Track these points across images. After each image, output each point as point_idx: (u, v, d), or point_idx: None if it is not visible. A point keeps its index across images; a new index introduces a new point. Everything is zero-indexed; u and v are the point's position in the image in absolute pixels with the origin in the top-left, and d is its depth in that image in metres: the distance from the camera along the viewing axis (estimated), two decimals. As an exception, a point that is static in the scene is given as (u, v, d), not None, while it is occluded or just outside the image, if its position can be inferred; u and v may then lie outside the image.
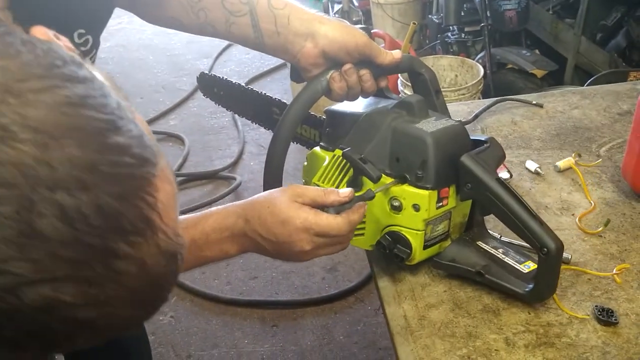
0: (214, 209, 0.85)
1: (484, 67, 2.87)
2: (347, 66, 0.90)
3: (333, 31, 0.89)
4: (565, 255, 0.95)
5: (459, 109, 1.43)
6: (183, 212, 3.04)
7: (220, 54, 4.49)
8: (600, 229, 1.01)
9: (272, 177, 0.93)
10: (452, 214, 0.93)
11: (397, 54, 0.93)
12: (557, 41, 2.96)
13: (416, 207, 0.88)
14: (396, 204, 0.90)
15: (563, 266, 0.94)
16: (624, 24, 2.58)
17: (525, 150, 1.26)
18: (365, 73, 0.92)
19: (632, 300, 0.88)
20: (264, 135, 3.47)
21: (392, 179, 0.89)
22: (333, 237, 0.83)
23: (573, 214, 1.06)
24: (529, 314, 0.88)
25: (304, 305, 2.27)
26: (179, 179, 3.04)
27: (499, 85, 2.88)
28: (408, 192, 0.88)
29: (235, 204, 0.85)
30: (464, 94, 2.66)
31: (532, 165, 1.18)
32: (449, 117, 0.98)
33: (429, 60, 3.01)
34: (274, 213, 0.81)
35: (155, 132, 3.52)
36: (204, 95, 1.21)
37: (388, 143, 0.90)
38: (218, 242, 0.82)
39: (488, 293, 0.92)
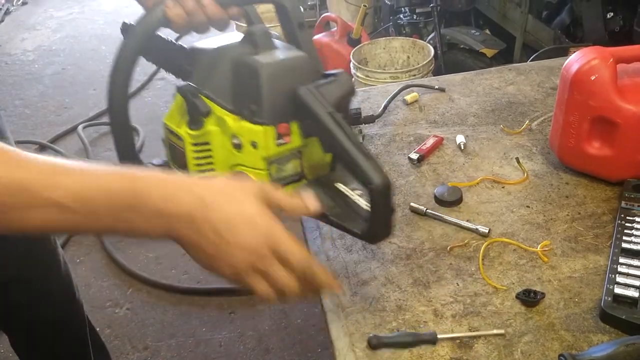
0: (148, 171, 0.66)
1: (435, 47, 2.90)
2: None
3: None
4: (483, 229, 0.97)
5: (390, 89, 1.43)
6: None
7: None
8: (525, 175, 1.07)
9: (123, 140, 0.87)
10: (302, 154, 0.88)
11: None
12: (506, 20, 3.00)
13: (254, 145, 0.83)
14: (236, 141, 0.84)
15: (491, 239, 0.96)
16: (568, 1, 2.62)
17: (461, 126, 1.27)
18: None
19: (555, 267, 0.91)
20: (220, 123, 3.43)
21: (230, 114, 0.84)
22: (285, 266, 0.68)
23: (503, 187, 1.08)
24: (458, 285, 0.89)
25: (262, 290, 2.27)
26: (134, 170, 2.99)
27: (450, 65, 2.91)
28: (245, 129, 0.83)
29: (181, 177, 0.67)
30: (415, 75, 2.68)
31: (459, 138, 1.21)
32: (313, 52, 0.92)
33: (381, 42, 3.02)
34: (240, 212, 0.65)
35: (108, 124, 3.45)
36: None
37: (229, 77, 0.85)
38: (148, 216, 0.62)
39: (419, 267, 0.93)
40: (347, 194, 0.88)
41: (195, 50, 0.93)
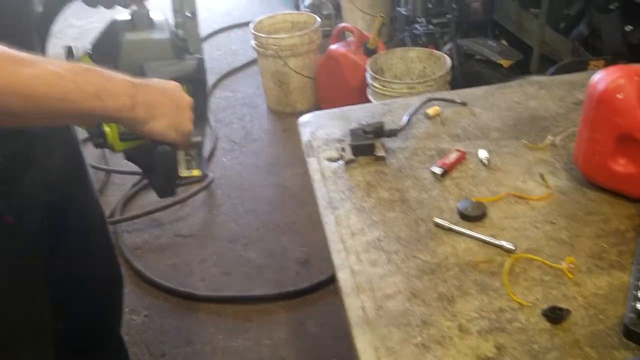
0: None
1: (452, 58, 2.90)
2: None
3: None
4: (509, 245, 0.98)
5: (410, 102, 1.44)
6: (155, 211, 2.98)
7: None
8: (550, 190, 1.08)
9: None
10: None
11: None
12: (523, 31, 3.00)
13: None
14: None
15: (516, 255, 0.97)
16: (586, 13, 2.63)
17: (483, 140, 1.28)
18: None
19: (579, 284, 0.91)
20: (236, 131, 3.46)
21: None
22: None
23: (527, 202, 1.09)
24: (483, 300, 0.90)
25: (278, 299, 2.28)
26: (151, 177, 3.02)
27: (467, 76, 2.91)
28: None
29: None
30: (431, 85, 2.69)
31: (482, 153, 1.22)
32: (193, 37, 1.04)
33: (398, 52, 3.03)
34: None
35: (126, 131, 3.49)
36: None
37: (109, 45, 1.00)
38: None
39: (443, 282, 0.94)
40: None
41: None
